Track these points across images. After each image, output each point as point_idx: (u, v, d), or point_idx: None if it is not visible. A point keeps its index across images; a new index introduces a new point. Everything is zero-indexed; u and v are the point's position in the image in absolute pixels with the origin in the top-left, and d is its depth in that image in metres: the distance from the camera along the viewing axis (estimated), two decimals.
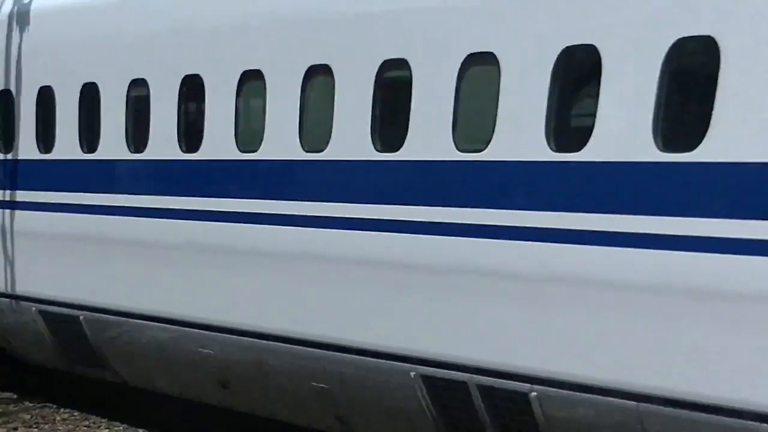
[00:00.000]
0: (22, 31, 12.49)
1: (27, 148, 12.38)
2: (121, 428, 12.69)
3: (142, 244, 11.03)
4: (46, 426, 12.95)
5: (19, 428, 12.84)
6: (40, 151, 12.20)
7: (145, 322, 11.30)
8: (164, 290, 10.94)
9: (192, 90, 10.43)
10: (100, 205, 11.57)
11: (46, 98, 12.13)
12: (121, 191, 11.27)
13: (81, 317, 11.96)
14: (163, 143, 10.70)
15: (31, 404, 13.87)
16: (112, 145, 11.18)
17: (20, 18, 12.57)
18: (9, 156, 12.80)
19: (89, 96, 11.58)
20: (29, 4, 12.50)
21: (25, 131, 12.39)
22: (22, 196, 12.72)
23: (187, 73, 10.46)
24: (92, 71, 11.57)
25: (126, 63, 11.10)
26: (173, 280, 10.84)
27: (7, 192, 12.84)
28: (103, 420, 13.04)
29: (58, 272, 12.28)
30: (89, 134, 11.60)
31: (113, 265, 11.59)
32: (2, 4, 12.93)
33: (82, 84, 11.64)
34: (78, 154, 11.70)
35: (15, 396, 14.24)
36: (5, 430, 12.74)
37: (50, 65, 12.15)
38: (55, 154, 12.07)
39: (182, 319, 10.82)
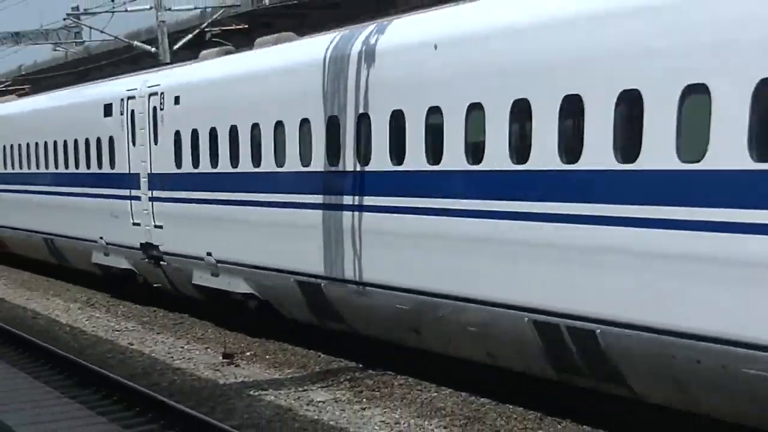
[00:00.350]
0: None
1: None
2: (455, 394, 13.71)
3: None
4: (386, 390, 14.18)
5: (364, 391, 14.18)
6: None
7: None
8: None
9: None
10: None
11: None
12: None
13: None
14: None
15: (374, 372, 15.19)
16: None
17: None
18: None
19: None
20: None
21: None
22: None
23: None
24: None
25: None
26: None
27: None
28: (432, 385, 14.16)
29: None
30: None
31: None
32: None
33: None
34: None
35: (361, 365, 15.62)
36: (353, 392, 14.14)
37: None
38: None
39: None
